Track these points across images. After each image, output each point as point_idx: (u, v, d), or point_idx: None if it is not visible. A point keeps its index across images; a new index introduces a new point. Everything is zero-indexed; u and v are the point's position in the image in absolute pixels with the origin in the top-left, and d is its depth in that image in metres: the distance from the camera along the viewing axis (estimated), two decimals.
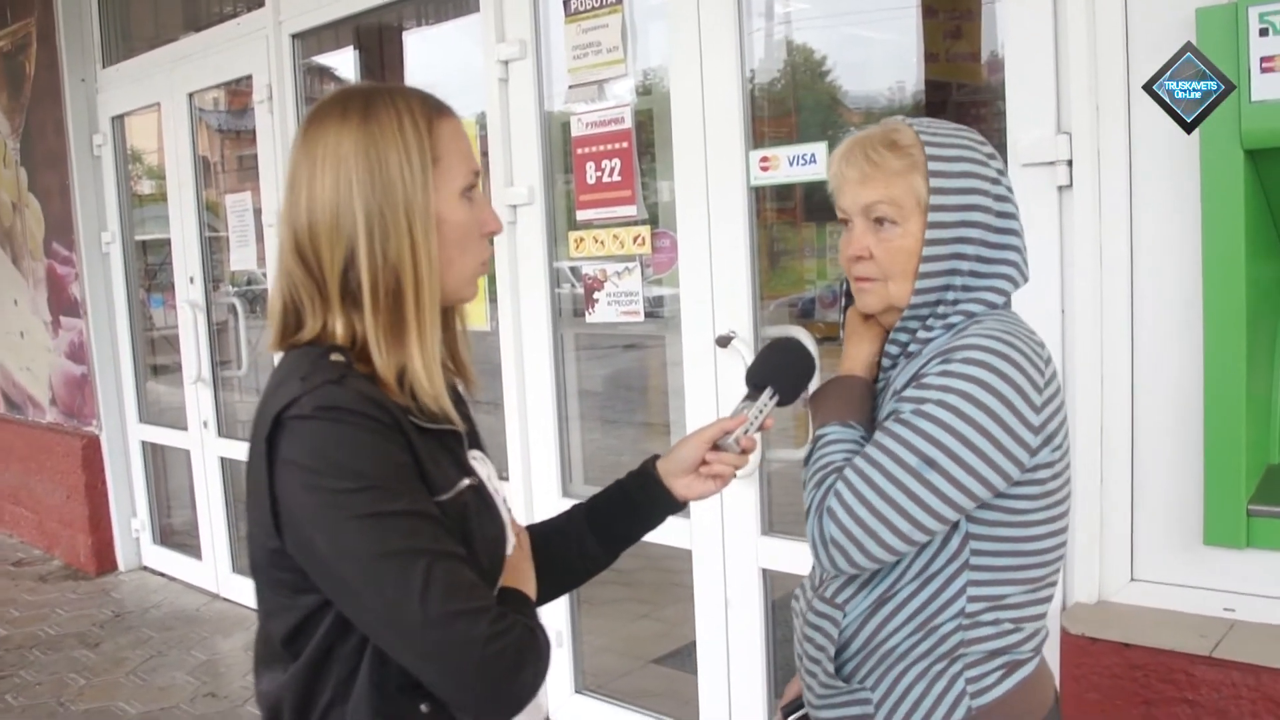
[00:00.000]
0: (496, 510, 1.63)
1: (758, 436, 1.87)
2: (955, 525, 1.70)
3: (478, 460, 1.65)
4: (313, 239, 1.49)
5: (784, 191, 3.84)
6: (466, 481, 1.55)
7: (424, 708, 1.48)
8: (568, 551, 1.80)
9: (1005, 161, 2.68)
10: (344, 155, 1.48)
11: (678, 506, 1.87)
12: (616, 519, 1.87)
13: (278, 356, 1.59)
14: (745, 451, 1.83)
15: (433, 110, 1.54)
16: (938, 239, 1.72)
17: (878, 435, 1.71)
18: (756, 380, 1.86)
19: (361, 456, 1.39)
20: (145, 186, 7.15)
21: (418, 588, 1.36)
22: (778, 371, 1.86)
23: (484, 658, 1.38)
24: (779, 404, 1.84)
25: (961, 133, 1.78)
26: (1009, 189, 1.77)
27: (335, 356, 1.47)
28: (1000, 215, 1.74)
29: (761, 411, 1.82)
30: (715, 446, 1.83)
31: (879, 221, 1.76)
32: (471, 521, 1.53)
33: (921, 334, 1.77)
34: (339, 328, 1.49)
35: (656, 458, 1.87)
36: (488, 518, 1.59)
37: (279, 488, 1.41)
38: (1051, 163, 2.73)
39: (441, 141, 1.53)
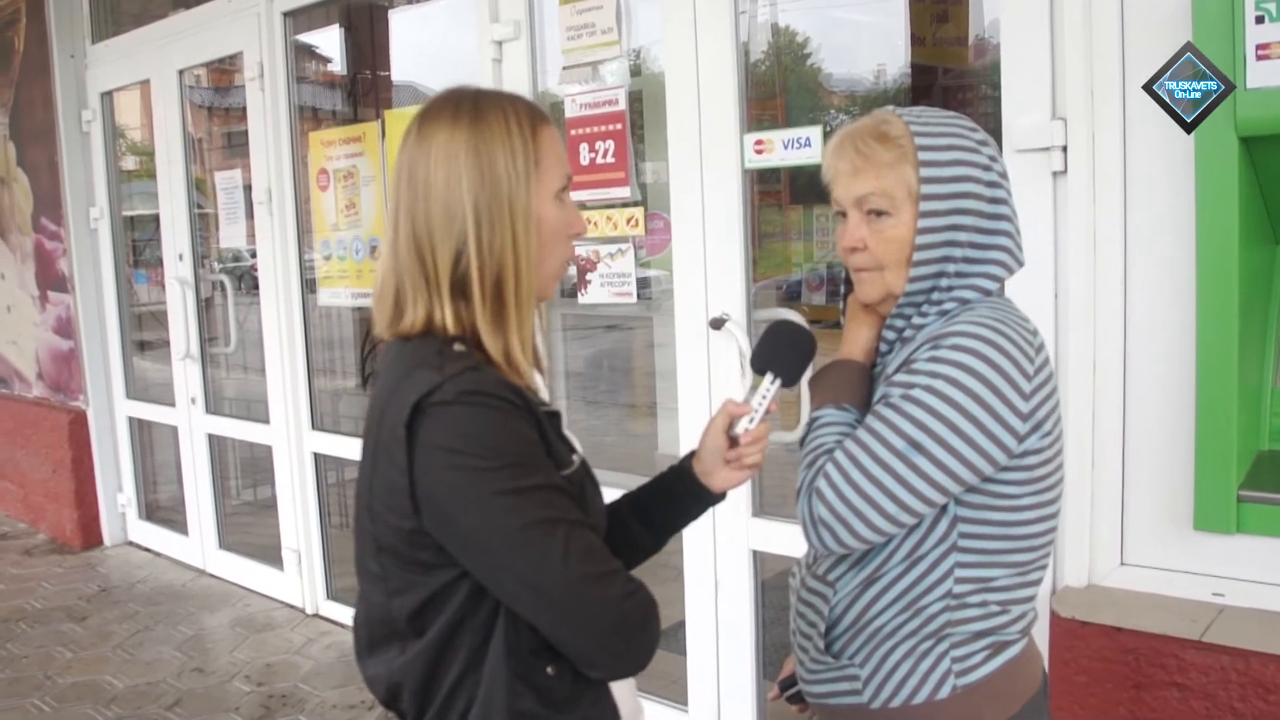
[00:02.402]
0: (598, 482, 1.75)
1: (770, 420, 1.89)
2: (944, 508, 1.72)
3: (571, 436, 1.75)
4: (429, 231, 1.59)
5: (770, 174, 3.85)
6: (578, 457, 1.67)
7: (550, 669, 1.60)
8: (616, 540, 1.83)
9: (1000, 147, 2.70)
10: (455, 153, 1.59)
11: (717, 499, 1.92)
12: (660, 513, 1.93)
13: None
14: (757, 440, 1.84)
15: (536, 117, 1.66)
16: (930, 228, 1.73)
17: (868, 418, 1.73)
18: (759, 366, 1.88)
19: (501, 436, 1.51)
20: (129, 162, 7.13)
21: (559, 554, 1.48)
22: (778, 355, 1.87)
23: (620, 615, 1.53)
24: (783, 386, 1.85)
25: (952, 121, 1.79)
26: (1001, 174, 1.78)
27: (458, 346, 1.58)
28: (992, 201, 1.76)
29: (765, 398, 1.83)
30: (730, 437, 1.85)
31: (872, 213, 1.77)
32: (587, 492, 1.68)
33: (916, 320, 1.79)
34: (449, 317, 1.59)
35: (693, 454, 1.91)
36: (594, 489, 1.71)
37: (419, 470, 1.51)
38: (1046, 148, 2.74)
39: (542, 145, 1.64)
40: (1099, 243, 2.68)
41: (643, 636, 1.57)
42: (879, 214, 1.77)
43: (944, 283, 1.76)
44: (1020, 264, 1.80)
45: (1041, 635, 2.65)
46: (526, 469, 1.51)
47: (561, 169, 1.68)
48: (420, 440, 1.50)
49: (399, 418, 1.51)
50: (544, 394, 1.72)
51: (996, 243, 1.77)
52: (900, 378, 1.71)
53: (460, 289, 1.59)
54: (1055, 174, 2.74)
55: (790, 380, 1.86)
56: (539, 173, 1.62)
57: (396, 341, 1.65)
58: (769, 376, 1.85)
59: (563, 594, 1.49)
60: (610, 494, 1.84)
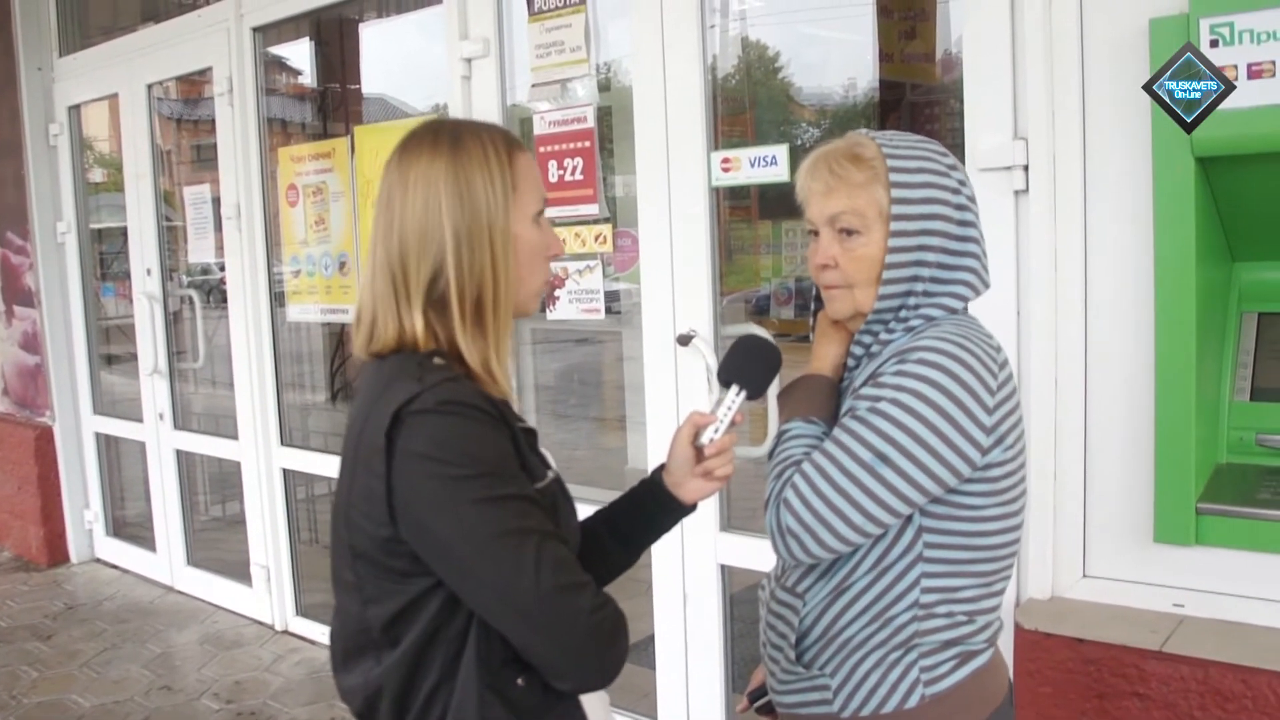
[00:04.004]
0: (572, 499, 1.77)
1: (735, 431, 1.91)
2: (909, 519, 1.76)
3: (546, 454, 1.78)
4: (402, 254, 1.64)
5: (740, 189, 3.87)
6: (552, 473, 1.71)
7: (520, 680, 1.63)
8: (590, 554, 1.87)
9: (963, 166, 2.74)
10: (434, 179, 1.64)
11: (687, 510, 1.94)
12: (632, 526, 1.96)
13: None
14: (722, 450, 1.86)
15: (512, 144, 1.72)
16: (900, 247, 1.78)
17: (835, 430, 1.77)
18: (725, 378, 1.91)
19: (478, 445, 1.55)
20: (96, 174, 7.09)
21: (530, 564, 1.51)
22: (744, 368, 1.90)
23: (589, 627, 1.54)
24: (747, 398, 1.88)
25: (923, 144, 1.83)
26: (970, 198, 1.82)
27: (438, 360, 1.62)
28: (961, 224, 1.80)
29: (730, 409, 1.86)
30: (697, 448, 1.87)
31: (844, 231, 1.81)
32: (560, 509, 1.71)
33: (884, 336, 1.83)
34: (419, 327, 1.63)
35: (662, 467, 1.94)
36: (568, 506, 1.74)
37: (396, 477, 1.54)
38: (1008, 168, 2.78)
39: (519, 171, 1.70)
40: (1060, 260, 2.72)
41: (611, 650, 1.58)
42: (850, 233, 1.81)
43: (911, 301, 1.81)
44: (986, 285, 1.85)
45: (1006, 646, 2.67)
46: (501, 479, 1.54)
47: (538, 193, 1.73)
48: (399, 448, 1.53)
49: (380, 426, 1.54)
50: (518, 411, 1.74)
51: (964, 264, 1.81)
52: (867, 391, 1.75)
53: (437, 305, 1.63)
54: (1017, 192, 2.78)
55: (755, 392, 1.89)
56: (516, 196, 1.68)
57: (374, 360, 1.68)
58: (734, 388, 1.88)
59: (533, 604, 1.51)
60: (582, 510, 1.86)
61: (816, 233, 1.86)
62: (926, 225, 1.78)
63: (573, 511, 1.77)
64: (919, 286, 1.80)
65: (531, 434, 1.72)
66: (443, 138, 1.68)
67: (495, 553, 1.51)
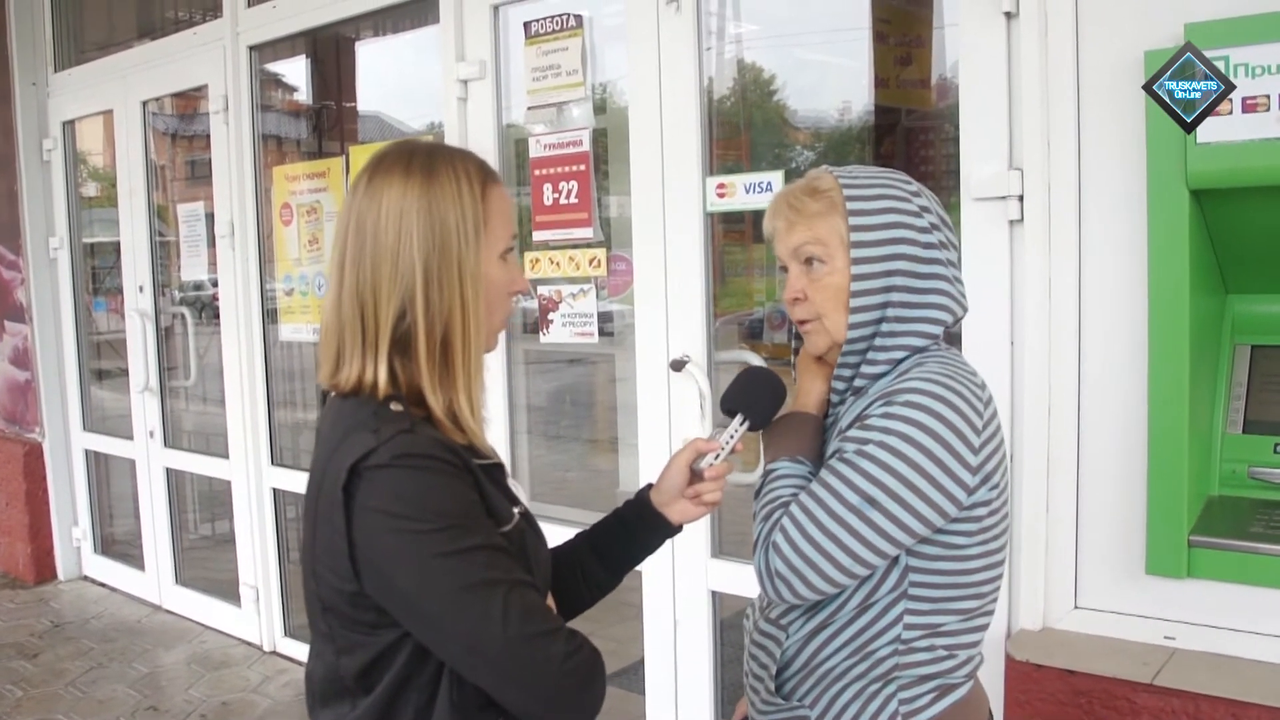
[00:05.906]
0: (542, 532, 1.74)
1: (733, 460, 1.93)
2: (896, 559, 1.76)
3: (516, 487, 1.76)
4: (374, 287, 1.60)
5: (734, 213, 3.88)
6: (518, 510, 1.67)
7: None
8: (574, 578, 1.89)
9: (958, 195, 2.75)
10: (406, 210, 1.60)
11: (674, 531, 1.95)
12: (617, 547, 1.95)
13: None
14: (718, 476, 1.89)
15: (487, 176, 1.69)
16: (865, 274, 1.79)
17: (822, 473, 1.77)
18: (729, 407, 1.92)
19: (439, 498, 1.52)
20: (89, 189, 7.09)
21: (498, 615, 1.48)
22: (749, 399, 1.92)
23: (562, 674, 1.52)
24: (750, 429, 1.90)
25: (882, 174, 1.86)
26: (934, 224, 1.83)
27: (395, 406, 1.58)
28: (926, 247, 1.81)
29: (732, 437, 1.89)
30: (693, 471, 1.89)
31: (809, 263, 1.84)
32: (528, 546, 1.67)
33: (865, 369, 1.84)
34: (382, 377, 1.59)
35: (650, 486, 1.95)
36: (537, 540, 1.71)
37: (357, 533, 1.52)
38: (1003, 197, 2.78)
39: (491, 206, 1.67)
40: (1054, 290, 2.72)
41: (587, 694, 1.57)
42: (815, 262, 1.83)
43: (885, 328, 1.81)
44: (964, 309, 1.85)
45: (996, 677, 2.67)
46: (465, 530, 1.52)
47: (508, 229, 1.70)
48: (358, 504, 1.51)
49: (336, 482, 1.52)
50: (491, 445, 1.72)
51: (935, 287, 1.82)
52: (854, 433, 1.75)
53: (401, 347, 1.60)
54: (1012, 222, 2.78)
55: (758, 424, 1.91)
56: (487, 232, 1.65)
57: (335, 400, 1.66)
58: (738, 418, 1.90)
59: (503, 655, 1.49)
60: (566, 533, 1.85)
61: (787, 270, 1.88)
62: (891, 250, 1.79)
63: (543, 544, 1.75)
64: (891, 312, 1.80)
65: (498, 469, 1.70)
66: (416, 164, 1.64)
67: (462, 606, 1.49)
